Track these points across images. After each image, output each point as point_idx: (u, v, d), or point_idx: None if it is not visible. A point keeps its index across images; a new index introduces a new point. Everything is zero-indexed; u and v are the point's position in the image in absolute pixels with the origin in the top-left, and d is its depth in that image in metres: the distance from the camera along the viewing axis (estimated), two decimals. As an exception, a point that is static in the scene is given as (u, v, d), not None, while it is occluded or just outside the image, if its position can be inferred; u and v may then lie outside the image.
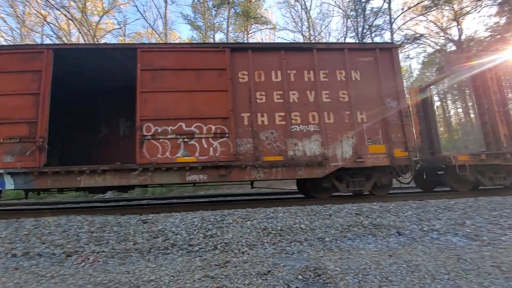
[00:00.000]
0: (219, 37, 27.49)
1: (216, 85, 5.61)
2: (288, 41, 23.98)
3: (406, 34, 23.86)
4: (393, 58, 6.10)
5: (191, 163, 5.27)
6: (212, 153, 5.36)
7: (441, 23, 24.75)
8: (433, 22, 24.83)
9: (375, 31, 22.13)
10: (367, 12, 22.22)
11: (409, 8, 24.10)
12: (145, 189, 10.78)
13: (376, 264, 2.77)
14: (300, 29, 25.95)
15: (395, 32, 22.81)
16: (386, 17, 22.08)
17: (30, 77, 5.33)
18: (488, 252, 2.96)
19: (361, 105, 5.82)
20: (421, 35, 24.12)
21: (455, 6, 23.22)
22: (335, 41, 24.69)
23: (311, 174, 5.52)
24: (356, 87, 5.88)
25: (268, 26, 26.61)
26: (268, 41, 25.90)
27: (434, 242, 3.37)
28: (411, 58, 36.77)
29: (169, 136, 5.34)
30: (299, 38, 25.81)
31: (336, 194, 6.10)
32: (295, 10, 26.59)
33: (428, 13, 23.84)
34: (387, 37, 23.48)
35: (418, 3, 23.40)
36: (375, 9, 22.42)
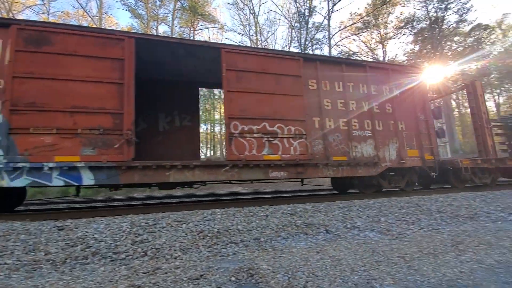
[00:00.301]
0: (162, 29, 26.12)
1: (293, 90, 6.16)
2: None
3: (342, 50, 26.42)
4: (422, 81, 7.69)
5: (275, 161, 5.71)
6: (293, 152, 5.89)
7: (370, 44, 28.22)
8: (364, 43, 28.14)
9: (315, 44, 23.92)
10: (309, 25, 23.90)
11: (345, 27, 26.80)
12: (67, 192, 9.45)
13: (305, 261, 2.96)
14: (248, 33, 26.44)
15: (332, 47, 25.04)
16: (326, 32, 24.10)
17: (110, 65, 4.92)
18: (396, 245, 3.44)
19: (401, 117, 7.12)
20: (354, 53, 27.00)
21: (381, 31, 26.75)
22: (287, 49, 25.84)
23: (368, 172, 6.52)
24: (397, 101, 7.19)
25: (216, 26, 26.40)
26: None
27: (355, 238, 3.77)
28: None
29: (255, 135, 5.70)
30: (247, 42, 26.28)
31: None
32: (243, 13, 27.00)
33: (360, 34, 26.91)
34: (326, 50, 25.66)
35: (352, 24, 26.18)
36: (317, 24, 24.28)
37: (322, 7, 41.13)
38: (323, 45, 25.25)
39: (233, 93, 5.69)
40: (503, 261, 2.90)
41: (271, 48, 22.71)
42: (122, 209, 5.39)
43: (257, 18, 26.16)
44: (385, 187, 6.92)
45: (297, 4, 23.66)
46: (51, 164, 4.31)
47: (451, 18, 26.02)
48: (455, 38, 30.56)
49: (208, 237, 3.66)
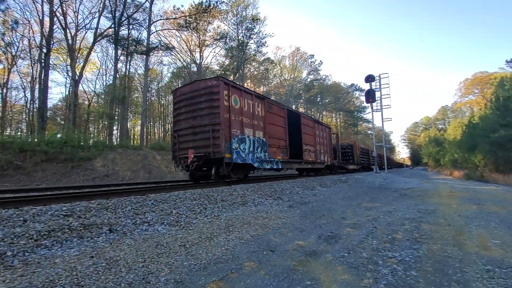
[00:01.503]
0: None
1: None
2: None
3: (161, 41, 25.88)
4: (336, 134, 20.96)
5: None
6: None
7: (190, 46, 29.73)
8: (184, 41, 29.18)
9: (132, 24, 21.86)
10: (129, 0, 21.53)
11: (167, 18, 26.54)
12: None
13: (70, 271, 2.44)
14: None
15: (152, 34, 23.94)
16: (146, 16, 22.66)
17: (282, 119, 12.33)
18: (181, 235, 3.66)
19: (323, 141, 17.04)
20: (173, 47, 27.29)
21: (200, 36, 28.92)
22: (96, 20, 21.39)
23: (322, 165, 16.09)
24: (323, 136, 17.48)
25: None
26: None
27: (142, 234, 3.63)
28: (164, 65, 40.61)
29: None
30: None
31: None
32: None
33: (181, 32, 27.67)
34: (144, 35, 24.10)
35: (175, 18, 26.39)
36: (137, 2, 22.30)
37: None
38: (142, 28, 23.62)
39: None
40: (255, 235, 3.83)
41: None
42: None
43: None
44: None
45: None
46: (277, 159, 11.03)
47: (253, 46, 32.85)
48: (253, 63, 38.92)
49: None
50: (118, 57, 24.62)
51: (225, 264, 2.80)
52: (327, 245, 3.40)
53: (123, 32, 23.60)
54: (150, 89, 40.22)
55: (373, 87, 22.10)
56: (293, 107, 51.35)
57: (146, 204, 4.73)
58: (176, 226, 4.07)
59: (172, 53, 28.12)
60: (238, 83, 10.71)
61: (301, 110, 57.15)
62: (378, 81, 22.43)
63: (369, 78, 21.99)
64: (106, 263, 2.65)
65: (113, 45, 23.77)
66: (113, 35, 22.82)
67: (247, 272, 2.61)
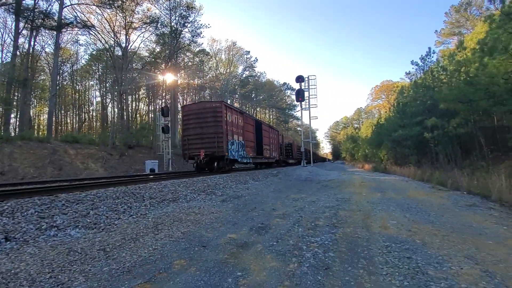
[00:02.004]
0: None
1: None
2: None
3: (78, 17, 22.51)
4: (281, 135, 24.93)
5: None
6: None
7: (114, 26, 26.58)
8: (107, 21, 25.93)
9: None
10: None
11: (86, -8, 23.18)
12: None
13: None
14: None
15: (65, 7, 20.62)
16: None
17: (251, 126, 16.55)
18: (100, 238, 3.30)
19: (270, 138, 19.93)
20: (93, 26, 24.07)
21: (127, 17, 26.15)
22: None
23: (273, 160, 20.37)
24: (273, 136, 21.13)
25: None
26: None
27: (49, 240, 3.14)
28: (80, 44, 35.26)
29: None
30: None
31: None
32: None
33: (104, 9, 24.52)
34: (56, 7, 20.53)
35: (96, -7, 23.22)
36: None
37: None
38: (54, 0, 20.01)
39: None
40: (187, 232, 3.73)
41: None
42: None
43: None
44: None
45: None
46: (249, 156, 15.09)
47: (187, 35, 31.39)
48: (188, 54, 37.26)
49: None
50: (20, 31, 20.33)
51: (152, 265, 2.65)
52: (258, 236, 3.55)
53: (28, 1, 19.60)
54: (61, 71, 34.49)
55: (302, 87, 23.89)
56: (228, 101, 51.67)
57: (55, 206, 4.09)
58: (94, 228, 3.64)
59: (91, 32, 24.68)
60: (229, 104, 15.59)
61: (236, 105, 57.82)
62: (307, 82, 24.32)
63: (299, 79, 23.73)
64: (2, 277, 2.20)
65: (13, 16, 19.50)
66: (14, 4, 18.71)
67: (177, 270, 2.53)
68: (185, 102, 42.08)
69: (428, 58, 18.80)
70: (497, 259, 2.69)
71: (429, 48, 20.19)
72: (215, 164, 12.11)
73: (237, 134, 13.66)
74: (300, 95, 23.64)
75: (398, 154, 21.82)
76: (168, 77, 30.37)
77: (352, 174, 18.20)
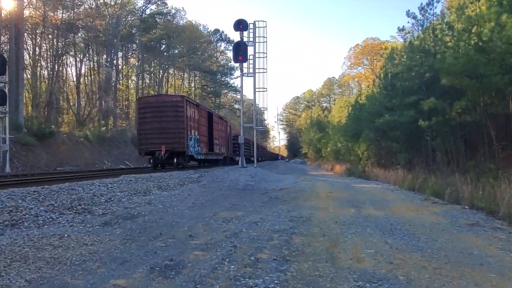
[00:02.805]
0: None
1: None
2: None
3: None
4: (229, 126, 38.46)
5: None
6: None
7: None
8: None
9: None
10: None
11: None
12: None
13: None
14: None
15: None
16: None
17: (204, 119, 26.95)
18: None
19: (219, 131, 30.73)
20: None
21: None
22: None
23: (221, 157, 31.45)
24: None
25: None
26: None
27: None
28: None
29: None
30: None
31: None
32: None
33: None
34: None
35: None
36: None
37: None
38: None
39: None
40: (36, 279, 3.41)
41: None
42: None
43: None
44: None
45: None
46: (203, 152, 24.06)
47: None
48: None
49: None
50: None
51: None
52: (164, 281, 3.47)
53: None
54: None
55: (245, 39, 23.21)
56: (120, 54, 49.73)
57: None
58: None
59: None
60: (188, 97, 23.53)
61: (132, 60, 55.50)
62: (252, 31, 23.92)
63: (240, 25, 23.04)
64: None
65: None
66: None
67: None
68: (39, 50, 38.83)
69: (430, 10, 19.48)
70: (500, 299, 3.08)
71: (433, -6, 20.64)
72: (175, 160, 18.57)
73: (193, 129, 19.79)
74: (240, 51, 23.13)
75: (383, 150, 23.70)
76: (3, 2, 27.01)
77: (315, 180, 19.26)
